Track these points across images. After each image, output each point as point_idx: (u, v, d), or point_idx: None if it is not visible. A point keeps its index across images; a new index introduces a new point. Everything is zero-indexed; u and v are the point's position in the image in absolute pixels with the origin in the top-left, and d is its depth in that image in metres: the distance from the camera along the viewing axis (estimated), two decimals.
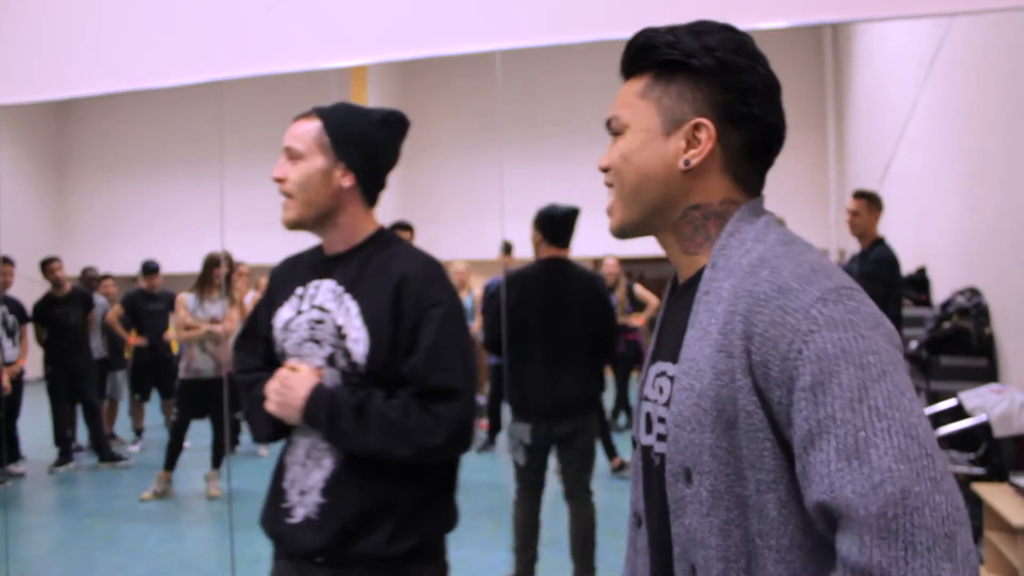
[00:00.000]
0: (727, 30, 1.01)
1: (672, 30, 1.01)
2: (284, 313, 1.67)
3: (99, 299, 7.17)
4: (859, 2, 2.58)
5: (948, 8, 2.58)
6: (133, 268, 8.05)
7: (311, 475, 1.58)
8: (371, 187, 1.66)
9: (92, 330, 6.86)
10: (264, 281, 8.86)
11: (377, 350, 1.55)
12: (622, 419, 7.60)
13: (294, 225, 1.63)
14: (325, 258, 1.68)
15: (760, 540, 0.88)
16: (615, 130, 1.05)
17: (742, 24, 1.13)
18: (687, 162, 0.99)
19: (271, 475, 1.68)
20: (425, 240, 9.04)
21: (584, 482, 3.48)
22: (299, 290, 1.67)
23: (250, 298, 6.74)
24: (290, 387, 1.56)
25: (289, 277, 1.72)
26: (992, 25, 4.31)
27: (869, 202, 4.16)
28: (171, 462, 5.50)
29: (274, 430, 1.64)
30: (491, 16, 2.80)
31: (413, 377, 1.54)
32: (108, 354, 7.23)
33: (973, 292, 4.61)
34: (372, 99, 12.16)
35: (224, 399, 5.22)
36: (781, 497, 0.87)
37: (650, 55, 1.02)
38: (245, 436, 7.19)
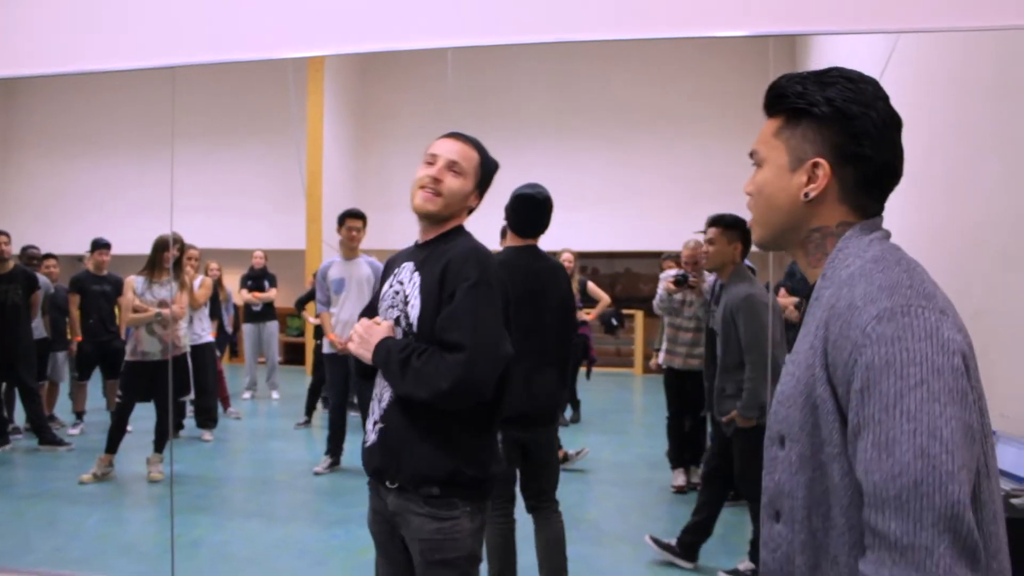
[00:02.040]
0: (848, 80, 1.20)
1: (803, 80, 1.22)
2: (384, 288, 2.17)
3: (41, 279, 7.03)
4: (807, 16, 2.65)
5: (893, 26, 2.66)
6: (78, 249, 7.91)
7: (378, 407, 2.07)
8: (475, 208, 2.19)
9: (35, 311, 6.72)
10: (213, 264, 8.78)
11: (425, 315, 2.01)
12: (568, 412, 7.66)
13: (431, 215, 2.09)
14: (418, 245, 2.16)
15: (832, 497, 1.12)
16: (756, 162, 1.29)
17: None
18: (807, 194, 1.21)
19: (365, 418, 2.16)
20: (380, 227, 9.02)
21: (551, 495, 3.30)
22: (396, 269, 2.15)
23: (199, 282, 6.65)
24: (369, 336, 2.05)
25: (394, 261, 2.21)
26: (937, 41, 4.43)
27: None
28: (113, 445, 5.43)
29: (365, 367, 2.10)
30: (444, 14, 2.82)
31: (437, 331, 1.97)
32: (50, 335, 7.09)
33: None
34: (329, 89, 12.08)
35: (169, 383, 5.17)
36: (843, 467, 1.10)
37: (781, 101, 1.24)
38: (189, 420, 7.11)
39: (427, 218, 2.11)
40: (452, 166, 2.08)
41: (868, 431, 1.03)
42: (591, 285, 7.35)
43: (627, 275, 13.60)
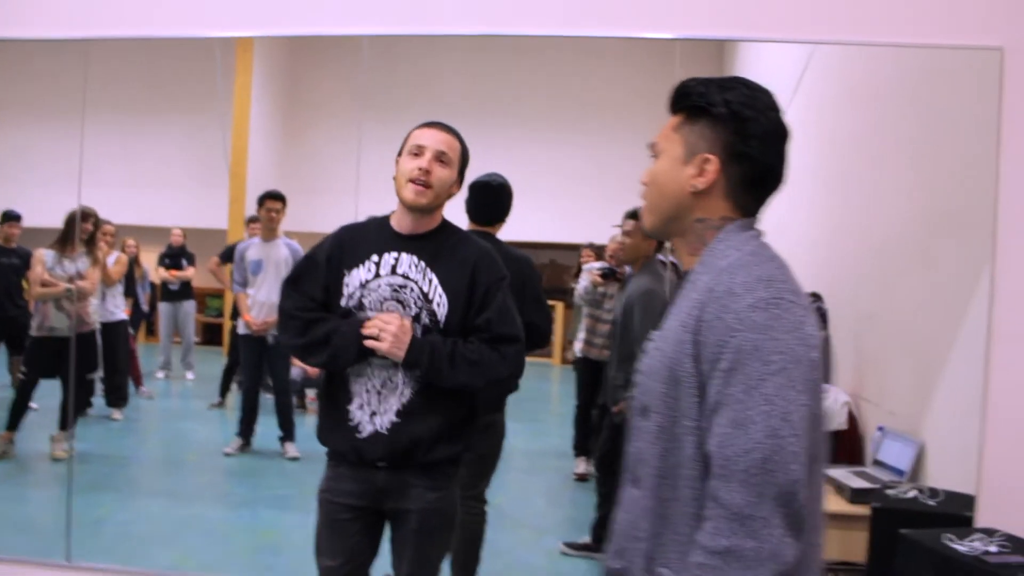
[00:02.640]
0: (747, 87, 1.29)
1: (707, 82, 1.31)
2: (360, 274, 2.16)
3: None
4: (737, 23, 2.75)
5: (808, 36, 2.79)
6: None
7: (386, 400, 2.12)
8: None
9: None
10: (130, 241, 8.56)
11: (454, 313, 2.12)
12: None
13: (423, 208, 2.14)
14: (401, 235, 2.18)
15: (682, 469, 1.20)
16: (654, 154, 1.36)
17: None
18: (695, 186, 1.29)
19: (327, 402, 2.23)
20: (301, 209, 8.89)
21: (478, 489, 3.24)
22: (375, 257, 2.16)
23: (113, 258, 6.50)
24: (403, 333, 2.07)
25: (361, 244, 2.19)
26: (851, 53, 4.60)
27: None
28: (14, 422, 5.27)
29: (357, 358, 2.11)
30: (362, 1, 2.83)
31: (486, 326, 2.13)
32: None
33: (815, 297, 4.90)
34: (257, 70, 11.85)
35: (73, 360, 5.05)
36: (697, 441, 1.18)
37: (685, 99, 1.32)
38: (99, 399, 6.92)
39: (418, 211, 2.16)
40: (440, 157, 2.15)
41: (727, 408, 1.12)
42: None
43: (552, 266, 13.70)
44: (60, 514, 4.17)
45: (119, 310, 6.46)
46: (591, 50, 12.64)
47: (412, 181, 2.11)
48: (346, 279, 2.19)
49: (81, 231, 5.34)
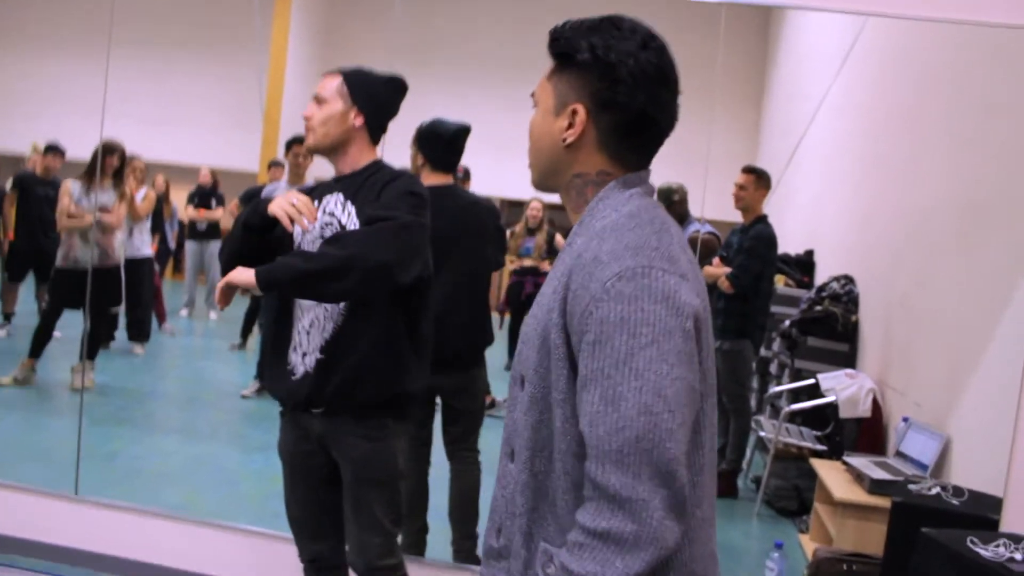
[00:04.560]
0: (615, 28, 1.20)
1: (575, 26, 1.22)
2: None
3: None
4: None
5: (859, 7, 2.66)
6: (20, 147, 7.65)
7: (313, 340, 2.11)
8: (375, 128, 2.22)
9: None
10: (159, 178, 8.56)
11: None
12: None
13: (312, 150, 2.21)
14: (336, 179, 2.22)
15: (554, 441, 1.15)
16: (533, 104, 1.29)
17: None
18: (565, 139, 1.22)
19: (270, 346, 2.21)
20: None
21: (469, 442, 3.20)
22: (317, 202, 2.17)
23: (142, 194, 6.48)
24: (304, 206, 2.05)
25: (319, 191, 2.23)
26: (900, 30, 4.43)
27: (757, 178, 4.26)
28: (36, 350, 5.31)
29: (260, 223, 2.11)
30: None
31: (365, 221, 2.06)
32: None
33: (847, 280, 4.80)
34: (296, 14, 11.71)
35: (88, 292, 5.06)
36: (566, 413, 1.13)
37: (554, 45, 1.24)
38: (121, 332, 6.98)
39: (317, 152, 2.21)
40: (318, 100, 2.19)
41: (596, 384, 1.05)
42: (559, 238, 7.32)
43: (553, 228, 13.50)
44: (74, 445, 4.20)
45: (145, 246, 6.47)
46: (635, 11, 12.41)
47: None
48: (295, 228, 2.20)
49: (107, 165, 5.31)
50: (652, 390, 1.02)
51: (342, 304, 2.10)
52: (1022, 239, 2.77)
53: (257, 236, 2.14)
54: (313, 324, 2.13)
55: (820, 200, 6.25)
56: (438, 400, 3.18)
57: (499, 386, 6.56)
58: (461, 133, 3.05)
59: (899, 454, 3.33)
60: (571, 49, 1.20)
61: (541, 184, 1.31)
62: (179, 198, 9.07)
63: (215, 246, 8.80)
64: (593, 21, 1.21)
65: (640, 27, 1.21)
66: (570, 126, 1.21)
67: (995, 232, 3.02)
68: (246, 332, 7.41)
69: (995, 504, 2.53)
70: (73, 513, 3.30)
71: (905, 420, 3.45)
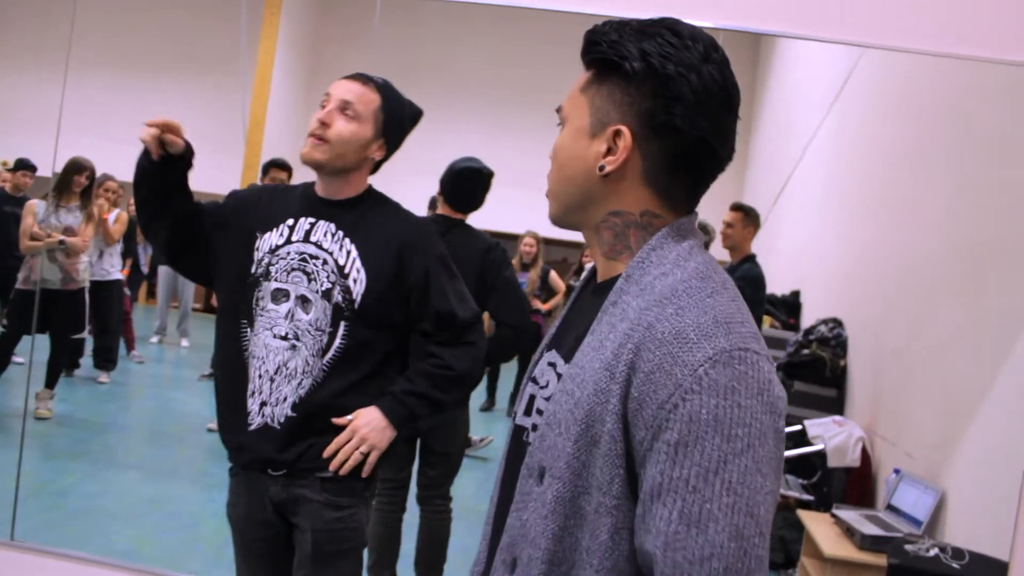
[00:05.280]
0: (675, 35, 0.97)
1: (621, 27, 0.99)
2: (272, 238, 1.86)
3: None
4: (769, 16, 2.53)
5: (855, 38, 2.56)
6: None
7: (280, 390, 1.80)
8: (383, 162, 1.95)
9: None
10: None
11: (372, 292, 1.81)
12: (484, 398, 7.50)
13: (317, 165, 1.84)
14: (323, 200, 1.88)
15: (586, 556, 0.92)
16: (560, 120, 1.06)
17: (669, 14, 1.04)
18: (602, 167, 0.99)
19: (223, 385, 1.92)
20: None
21: (444, 488, 3.09)
22: (290, 221, 1.86)
23: (114, 216, 6.29)
24: (374, 423, 1.83)
25: (281, 205, 1.90)
26: (897, 65, 4.36)
27: (745, 215, 4.13)
28: None
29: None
30: None
31: (448, 318, 1.88)
32: None
33: (836, 323, 4.69)
34: (283, 36, 11.64)
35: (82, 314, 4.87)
36: (617, 523, 0.91)
37: (593, 50, 1.01)
38: (86, 360, 6.76)
39: (317, 168, 1.86)
40: (344, 108, 1.83)
41: (676, 497, 0.85)
42: (553, 275, 7.19)
43: (564, 264, 13.42)
44: (31, 476, 3.99)
45: (115, 270, 6.27)
46: None
47: (311, 135, 1.83)
48: (257, 243, 1.88)
49: (74, 184, 5.14)
50: (745, 509, 0.84)
51: (326, 357, 1.81)
52: (1021, 285, 2.64)
53: (162, 178, 1.85)
54: (280, 371, 1.81)
55: (808, 239, 6.15)
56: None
57: (475, 425, 6.38)
58: (466, 173, 3.03)
59: (891, 508, 3.18)
60: (617, 55, 0.97)
61: (562, 219, 1.07)
62: None
63: None
64: (644, 23, 0.99)
65: (701, 35, 0.99)
66: (609, 151, 0.98)
67: (996, 278, 2.90)
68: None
69: (999, 569, 2.37)
70: (6, 561, 3.07)
71: (896, 472, 3.31)
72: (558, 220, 1.07)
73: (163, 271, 8.57)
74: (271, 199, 1.96)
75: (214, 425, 5.16)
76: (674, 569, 0.84)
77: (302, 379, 1.80)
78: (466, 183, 3.03)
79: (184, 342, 8.81)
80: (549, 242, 8.51)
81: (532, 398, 1.06)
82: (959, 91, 3.41)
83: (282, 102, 12.00)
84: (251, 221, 1.92)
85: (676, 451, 0.85)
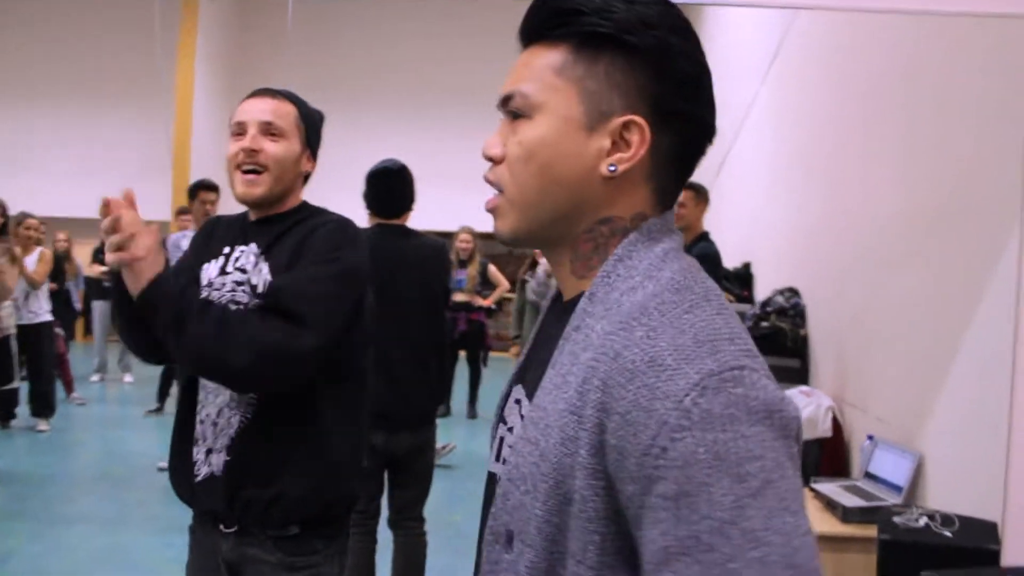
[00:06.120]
0: (664, 2, 0.81)
1: None
2: (210, 270, 1.73)
3: None
4: None
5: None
6: None
7: (220, 435, 1.64)
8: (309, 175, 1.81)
9: None
10: (60, 235, 8.05)
11: None
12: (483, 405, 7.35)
13: (261, 201, 1.68)
14: (251, 222, 1.76)
15: None
16: (517, 110, 0.83)
17: None
18: (613, 168, 0.80)
19: (176, 434, 1.74)
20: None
21: (417, 511, 2.96)
22: (226, 250, 1.74)
23: (36, 256, 5.99)
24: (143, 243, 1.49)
25: (223, 235, 1.78)
26: (830, 26, 4.31)
27: (696, 193, 4.04)
28: None
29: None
30: None
31: (268, 292, 1.62)
32: None
33: (792, 292, 4.64)
34: (200, 54, 11.33)
35: None
36: None
37: (571, 21, 0.80)
38: (22, 408, 6.44)
39: (258, 205, 1.70)
40: (267, 129, 1.67)
41: (688, 563, 0.66)
42: (492, 269, 7.06)
43: (508, 256, 13.31)
44: None
45: (44, 311, 6.00)
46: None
47: (239, 168, 1.66)
48: (201, 276, 1.75)
49: None
50: (781, 560, 0.65)
51: None
52: (982, 246, 2.57)
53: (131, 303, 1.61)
54: (221, 413, 1.65)
55: (756, 211, 6.11)
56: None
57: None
58: (400, 175, 2.91)
59: (868, 475, 3.11)
60: (617, 27, 0.79)
61: (528, 235, 0.86)
62: (84, 254, 8.57)
63: None
64: None
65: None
66: (615, 147, 0.80)
67: (954, 240, 2.84)
68: (163, 394, 6.93)
69: (990, 531, 2.30)
70: None
71: (870, 438, 3.24)
72: (520, 237, 0.86)
73: (98, 306, 8.26)
74: (212, 231, 1.83)
75: (165, 464, 4.95)
76: None
77: (231, 417, 1.63)
78: (380, 184, 2.89)
79: (127, 377, 8.51)
80: (486, 236, 8.38)
81: (501, 441, 0.90)
82: (905, 50, 3.35)
83: (206, 120, 11.68)
84: (199, 258, 1.79)
85: (678, 505, 0.67)
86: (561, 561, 0.76)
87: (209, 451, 1.65)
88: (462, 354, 7.03)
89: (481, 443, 6.43)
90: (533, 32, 0.84)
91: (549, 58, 0.82)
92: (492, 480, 0.90)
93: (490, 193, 0.87)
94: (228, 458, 1.62)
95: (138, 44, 11.06)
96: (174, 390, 7.09)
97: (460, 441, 6.23)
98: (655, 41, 0.78)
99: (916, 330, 3.13)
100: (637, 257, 0.81)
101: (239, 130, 1.68)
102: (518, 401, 0.88)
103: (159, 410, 6.88)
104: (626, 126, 0.80)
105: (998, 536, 2.29)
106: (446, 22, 12.30)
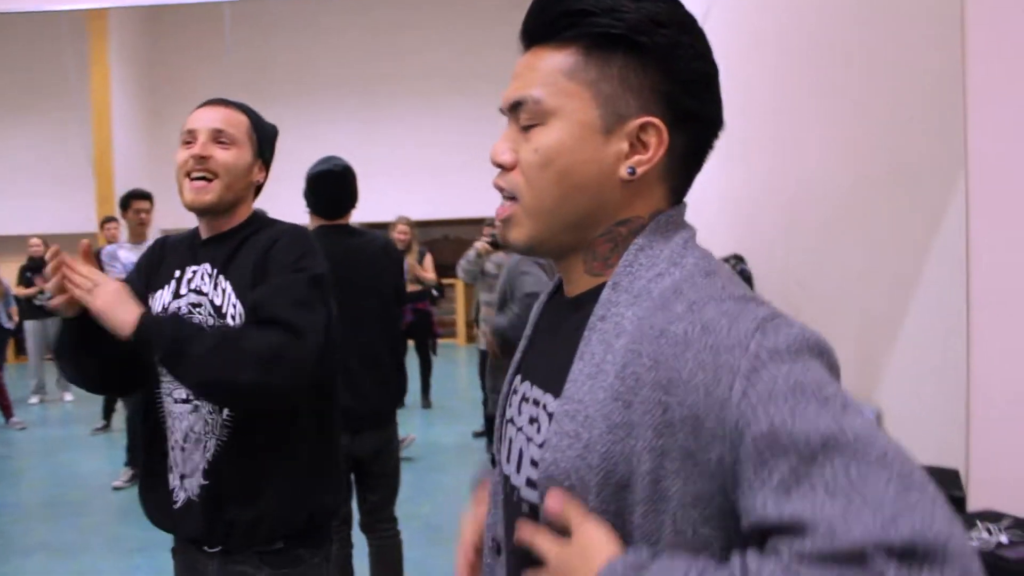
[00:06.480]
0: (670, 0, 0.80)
1: None
2: (163, 296, 1.70)
3: None
4: None
5: None
6: None
7: (191, 458, 1.62)
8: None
9: None
10: None
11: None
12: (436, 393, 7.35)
13: (210, 207, 1.66)
14: (201, 242, 1.72)
15: None
16: (530, 119, 0.82)
17: None
18: (632, 171, 0.80)
19: (145, 459, 1.72)
20: (176, 206, 8.28)
21: (388, 511, 2.93)
22: (176, 273, 1.71)
23: None
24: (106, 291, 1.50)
25: (171, 258, 1.75)
26: None
27: None
28: None
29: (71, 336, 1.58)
30: None
31: (253, 309, 1.58)
32: None
33: (738, 259, 4.72)
34: (114, 57, 10.97)
35: None
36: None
37: (581, 22, 0.79)
38: None
39: (207, 212, 1.68)
40: (217, 137, 1.66)
41: (808, 483, 0.63)
42: (428, 258, 7.04)
43: (444, 241, 13.30)
44: None
45: None
46: (479, 17, 12.26)
47: (189, 175, 1.64)
48: (151, 303, 1.71)
49: None
50: (896, 460, 0.63)
51: (225, 412, 1.61)
52: (930, 202, 2.64)
53: (79, 327, 1.56)
54: (188, 438, 1.63)
55: (701, 179, 6.16)
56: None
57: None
58: (344, 175, 2.86)
59: None
60: (629, 28, 0.78)
61: (547, 241, 0.85)
62: (9, 273, 8.27)
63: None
64: None
65: None
66: (632, 150, 0.80)
67: (901, 197, 2.91)
68: (108, 410, 6.76)
69: (954, 478, 2.38)
70: None
71: None
72: (537, 245, 0.85)
73: (30, 325, 7.98)
74: (161, 255, 1.79)
75: (120, 482, 4.85)
76: (855, 545, 0.59)
77: (206, 441, 1.61)
78: (324, 186, 2.84)
79: (67, 396, 8.27)
80: (422, 224, 8.37)
81: (520, 452, 0.87)
82: (846, 15, 3.40)
83: (129, 128, 11.33)
84: (146, 284, 1.76)
85: (774, 439, 0.64)
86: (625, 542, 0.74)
87: (183, 476, 1.64)
88: (411, 344, 7.02)
89: (439, 432, 6.42)
90: (538, 33, 0.83)
91: (558, 60, 0.81)
92: (509, 485, 0.89)
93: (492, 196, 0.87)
94: (206, 482, 1.61)
95: (50, 54, 10.69)
96: (120, 405, 6.92)
97: (418, 431, 6.22)
98: (667, 41, 0.78)
99: (866, 290, 3.21)
100: (658, 247, 0.81)
101: (189, 138, 1.66)
102: (533, 402, 0.87)
103: (106, 427, 6.71)
104: (643, 128, 0.80)
105: (961, 483, 2.38)
106: (374, 13, 12.15)
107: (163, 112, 11.93)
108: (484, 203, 8.46)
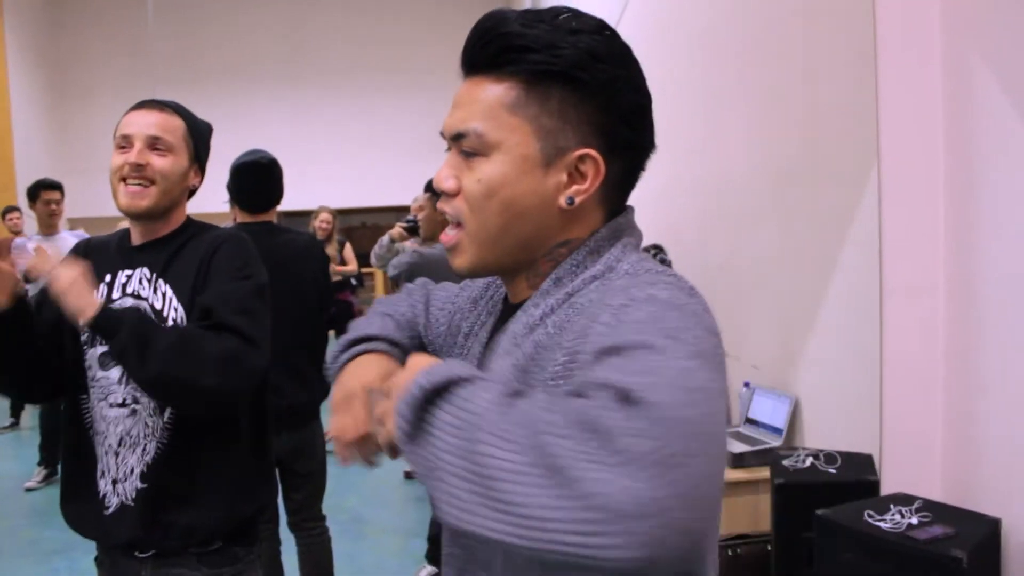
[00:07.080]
0: (605, 30, 0.84)
1: (539, 19, 0.82)
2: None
3: None
4: None
5: None
6: None
7: (126, 462, 1.62)
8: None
9: None
10: None
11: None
12: None
13: (146, 213, 1.67)
14: (135, 247, 1.73)
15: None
16: (472, 149, 0.85)
17: None
18: (571, 200, 0.85)
19: (69, 465, 1.71)
20: (85, 192, 7.96)
21: (315, 509, 2.94)
22: (108, 278, 1.70)
23: None
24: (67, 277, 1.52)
25: (98, 264, 1.70)
26: None
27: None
28: None
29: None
30: None
31: (203, 316, 1.60)
32: None
33: (658, 249, 4.80)
34: (11, 38, 10.45)
35: None
36: None
37: (521, 58, 0.82)
38: None
39: (143, 217, 1.69)
40: (155, 144, 1.66)
41: (617, 359, 0.69)
42: (348, 247, 6.99)
43: (362, 229, 13.17)
44: None
45: None
46: (397, 5, 12.14)
47: (124, 181, 1.65)
48: None
49: None
50: (706, 388, 0.66)
51: (166, 414, 1.62)
52: (843, 192, 2.74)
53: (9, 328, 1.55)
54: (123, 442, 1.62)
55: None
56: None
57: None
58: (271, 168, 2.82)
59: (749, 420, 3.30)
60: (568, 64, 0.81)
61: (490, 265, 0.89)
62: None
63: None
64: (563, 16, 0.82)
65: (594, 18, 0.85)
66: (571, 179, 0.85)
67: (815, 187, 3.02)
68: (17, 408, 6.52)
69: (867, 463, 2.51)
70: None
71: (747, 385, 3.44)
72: (480, 270, 0.90)
73: None
74: (88, 257, 1.76)
75: (34, 483, 4.68)
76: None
77: (146, 444, 1.62)
78: (249, 178, 2.79)
79: None
80: (343, 212, 8.28)
81: None
82: (758, 6, 3.48)
83: (27, 107, 10.83)
84: None
85: (611, 352, 0.67)
86: None
87: (116, 481, 1.63)
88: (333, 335, 6.95)
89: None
90: (479, 63, 0.85)
91: (499, 93, 0.84)
92: None
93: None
94: (143, 485, 1.61)
95: None
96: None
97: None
98: (605, 76, 0.82)
99: (782, 279, 3.32)
100: (603, 251, 0.86)
101: (124, 143, 1.66)
102: None
103: (15, 425, 6.47)
104: (581, 159, 0.84)
105: (875, 467, 2.50)
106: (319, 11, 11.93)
107: (67, 96, 11.47)
108: (403, 191, 8.43)
